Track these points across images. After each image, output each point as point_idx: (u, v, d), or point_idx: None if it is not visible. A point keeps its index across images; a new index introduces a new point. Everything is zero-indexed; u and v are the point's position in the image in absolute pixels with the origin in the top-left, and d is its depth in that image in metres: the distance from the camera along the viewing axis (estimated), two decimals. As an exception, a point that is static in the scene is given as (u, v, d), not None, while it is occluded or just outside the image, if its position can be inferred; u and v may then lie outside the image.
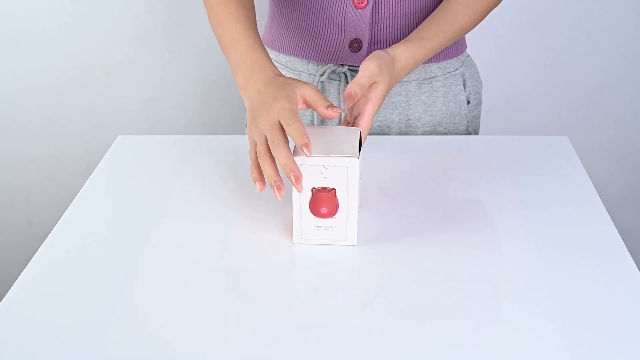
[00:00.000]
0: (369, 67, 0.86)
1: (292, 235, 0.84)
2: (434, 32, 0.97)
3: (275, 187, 0.78)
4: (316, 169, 0.79)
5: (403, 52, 0.92)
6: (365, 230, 0.85)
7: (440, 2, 1.05)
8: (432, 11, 1.05)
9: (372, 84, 0.86)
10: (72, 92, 1.67)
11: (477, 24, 1.02)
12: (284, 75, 0.87)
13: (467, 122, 1.14)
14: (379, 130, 1.12)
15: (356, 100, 0.83)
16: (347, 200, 0.80)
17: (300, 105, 0.84)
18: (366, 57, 1.04)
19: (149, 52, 1.64)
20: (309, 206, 0.81)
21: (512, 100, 1.75)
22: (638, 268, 0.78)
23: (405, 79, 1.09)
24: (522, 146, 1.05)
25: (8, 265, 1.80)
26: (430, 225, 0.86)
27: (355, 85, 0.84)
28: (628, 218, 1.84)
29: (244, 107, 1.61)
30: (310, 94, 0.83)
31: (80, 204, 0.93)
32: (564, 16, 1.65)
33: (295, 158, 0.78)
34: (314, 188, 0.80)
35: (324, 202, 0.80)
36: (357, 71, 1.07)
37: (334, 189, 0.79)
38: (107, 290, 0.76)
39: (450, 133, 1.14)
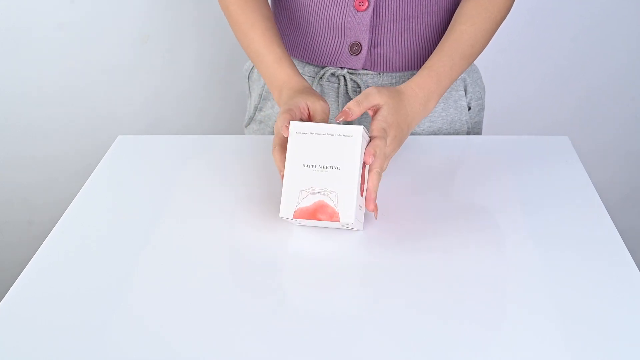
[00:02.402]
0: (367, 89, 0.88)
1: (292, 235, 0.84)
2: (439, 57, 0.97)
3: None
4: (364, 142, 0.81)
5: (407, 84, 0.93)
6: (365, 229, 0.85)
7: (444, 6, 1.05)
8: (434, 15, 1.06)
9: (374, 107, 0.87)
10: (72, 92, 1.67)
11: (487, 42, 1.01)
12: (309, 87, 0.94)
13: (468, 128, 1.13)
14: None
15: (351, 117, 0.85)
16: (365, 175, 0.82)
17: (305, 117, 0.89)
18: (365, 60, 1.05)
19: (149, 52, 1.64)
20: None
21: (512, 100, 1.75)
22: (638, 268, 0.78)
23: None
24: (522, 146, 1.05)
25: (8, 265, 1.80)
26: (430, 225, 0.86)
27: (351, 102, 0.86)
28: (628, 218, 1.84)
29: (243, 108, 1.61)
30: (318, 107, 0.89)
31: (80, 204, 0.93)
32: (565, 16, 1.65)
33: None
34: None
35: (363, 176, 0.82)
36: (356, 74, 1.08)
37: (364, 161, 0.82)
38: (107, 290, 0.76)
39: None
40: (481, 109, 1.17)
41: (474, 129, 1.15)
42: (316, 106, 0.89)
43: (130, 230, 0.87)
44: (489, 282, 0.76)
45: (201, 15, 1.60)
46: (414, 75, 0.95)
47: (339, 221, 0.79)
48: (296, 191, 0.80)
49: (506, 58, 1.69)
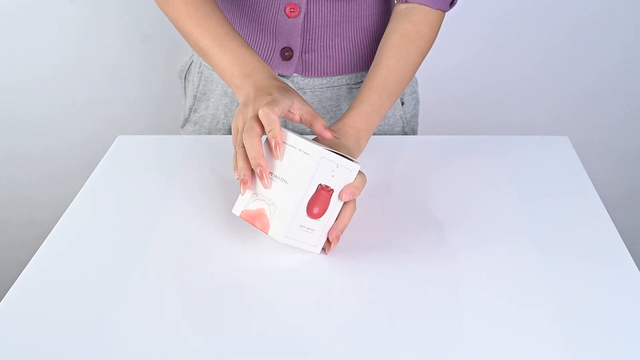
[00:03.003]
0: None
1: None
2: (366, 96, 0.94)
3: (241, 182, 0.79)
4: (329, 166, 0.77)
5: (338, 123, 0.91)
6: (363, 229, 0.85)
7: (375, 10, 1.06)
8: (366, 19, 1.06)
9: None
10: (72, 92, 1.68)
11: (414, 72, 0.99)
12: (281, 80, 0.88)
13: (403, 122, 1.14)
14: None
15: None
16: (334, 205, 0.79)
17: (291, 115, 0.84)
18: (297, 65, 1.06)
19: (149, 52, 1.64)
20: (308, 202, 0.78)
21: (512, 100, 1.75)
22: (638, 268, 0.78)
23: (336, 84, 1.09)
24: (522, 146, 1.05)
25: (8, 265, 1.80)
26: (429, 226, 0.86)
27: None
28: (628, 218, 1.84)
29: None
30: (307, 109, 0.84)
31: (81, 203, 0.93)
32: (564, 16, 1.65)
33: (312, 146, 0.76)
34: (320, 185, 0.77)
35: (321, 201, 0.78)
36: (286, 76, 1.07)
37: (332, 189, 0.79)
38: (107, 290, 0.76)
39: (385, 134, 1.13)
40: (416, 103, 1.17)
41: (410, 124, 1.16)
42: (303, 105, 0.84)
43: (130, 229, 0.87)
44: (488, 282, 0.76)
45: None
46: (344, 114, 0.93)
47: (267, 233, 0.78)
48: (250, 192, 0.80)
49: (506, 58, 1.69)
